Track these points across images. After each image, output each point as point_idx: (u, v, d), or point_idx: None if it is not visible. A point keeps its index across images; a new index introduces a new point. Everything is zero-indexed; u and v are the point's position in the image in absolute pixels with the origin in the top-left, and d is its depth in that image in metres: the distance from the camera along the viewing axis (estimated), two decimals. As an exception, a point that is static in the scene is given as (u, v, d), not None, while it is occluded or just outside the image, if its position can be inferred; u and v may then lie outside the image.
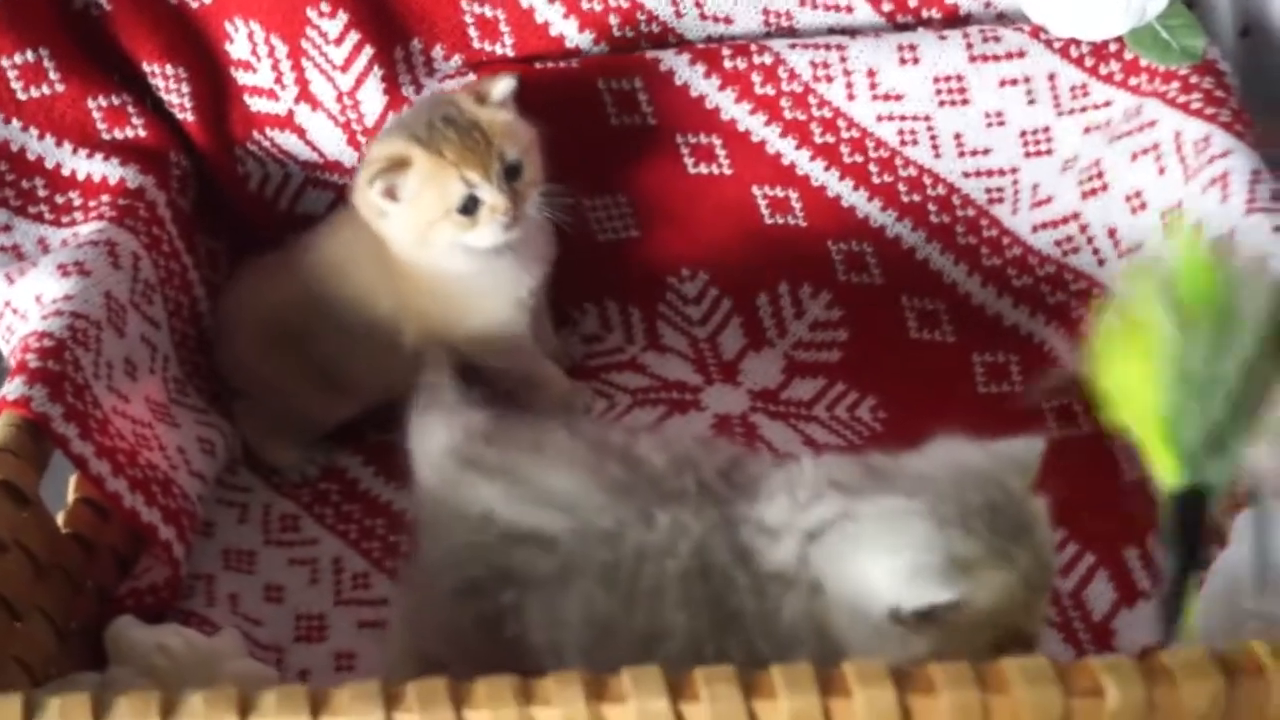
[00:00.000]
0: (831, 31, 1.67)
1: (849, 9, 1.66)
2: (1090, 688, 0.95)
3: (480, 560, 1.20)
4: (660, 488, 1.17)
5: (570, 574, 1.16)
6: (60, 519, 1.41)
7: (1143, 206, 1.56)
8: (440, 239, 1.50)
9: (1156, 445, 1.04)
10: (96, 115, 1.62)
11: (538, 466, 1.22)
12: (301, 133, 1.68)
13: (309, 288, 1.57)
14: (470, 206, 1.47)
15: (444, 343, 1.53)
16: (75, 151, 1.61)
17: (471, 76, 1.66)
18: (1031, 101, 1.62)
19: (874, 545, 1.09)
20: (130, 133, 1.63)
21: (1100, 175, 1.60)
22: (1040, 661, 0.95)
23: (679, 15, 1.67)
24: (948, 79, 1.62)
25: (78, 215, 1.58)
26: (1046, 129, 1.63)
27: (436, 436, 1.28)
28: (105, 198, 1.58)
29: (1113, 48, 1.60)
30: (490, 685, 0.97)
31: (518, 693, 0.96)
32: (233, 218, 1.71)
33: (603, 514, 1.17)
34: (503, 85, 1.51)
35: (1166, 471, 1.04)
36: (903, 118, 1.64)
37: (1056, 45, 1.61)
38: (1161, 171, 1.53)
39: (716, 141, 1.68)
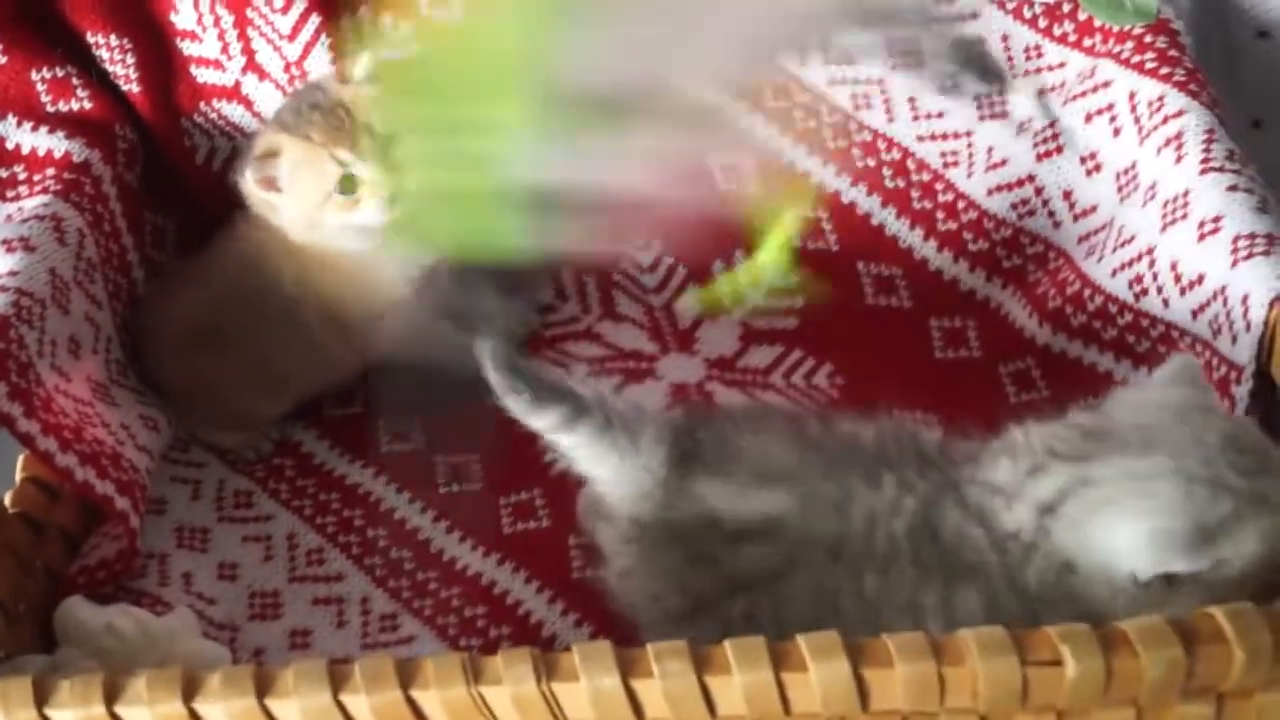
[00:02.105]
0: (783, -4, 1.66)
1: (795, -29, 1.65)
2: (1048, 657, 0.94)
3: (708, 572, 1.17)
4: (882, 456, 1.17)
5: (798, 558, 1.13)
6: (7, 499, 1.39)
7: (1098, 168, 1.55)
8: (328, 222, 1.49)
9: None
10: (40, 87, 1.60)
11: (746, 441, 1.20)
12: (249, 104, 1.66)
13: (223, 286, 1.56)
14: (349, 186, 1.47)
15: (341, 325, 1.54)
16: (19, 124, 1.58)
17: (421, 45, 1.64)
18: (985, 63, 1.62)
19: (1120, 510, 1.06)
20: (75, 105, 1.60)
21: (1055, 137, 1.59)
22: (996, 631, 0.95)
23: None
24: (900, 42, 1.61)
25: (22, 189, 1.56)
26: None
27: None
28: (50, 171, 1.55)
29: (1066, 8, 1.59)
30: (438, 663, 0.96)
31: (466, 670, 0.95)
32: (181, 193, 1.68)
33: (825, 481, 1.15)
34: (362, 62, 1.50)
35: None
36: (856, 82, 1.63)
37: (1009, 6, 1.60)
38: (1116, 133, 1.53)
39: (668, 106, 1.66)
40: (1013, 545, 1.10)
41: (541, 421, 1.18)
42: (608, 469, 1.20)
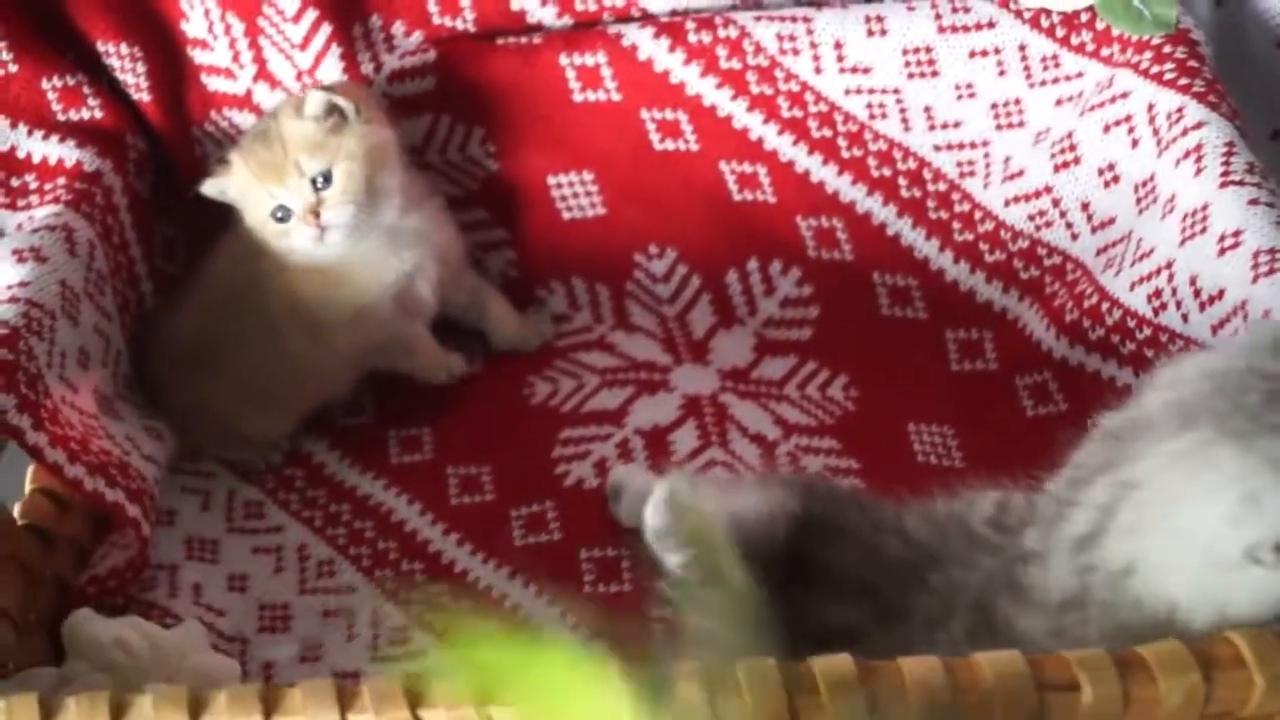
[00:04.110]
0: (797, 3, 1.65)
1: (814, -20, 1.64)
2: (1064, 682, 0.93)
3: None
4: (929, 554, 1.15)
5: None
6: (16, 511, 1.39)
7: (1115, 180, 1.54)
8: (273, 241, 1.52)
9: None
10: (51, 96, 1.59)
11: (833, 552, 1.19)
12: (260, 113, 1.65)
13: (211, 302, 1.58)
14: (285, 215, 1.50)
15: (313, 327, 1.55)
16: (31, 133, 1.58)
17: (432, 54, 1.63)
18: (1002, 73, 1.60)
19: (1189, 496, 1.00)
20: (86, 114, 1.60)
21: (1073, 148, 1.58)
22: (1013, 655, 0.94)
23: (642, -12, 1.65)
24: (916, 51, 1.60)
25: (34, 199, 1.56)
26: (1018, 101, 1.61)
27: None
28: (61, 181, 1.55)
29: (1084, 17, 1.58)
30: (448, 686, 0.95)
31: (473, 695, 0.95)
32: (191, 204, 1.67)
33: (893, 592, 1.14)
34: (312, 100, 1.52)
35: None
36: (871, 91, 1.62)
37: (1026, 15, 1.59)
38: (1134, 144, 1.52)
39: (682, 117, 1.65)
40: (1070, 617, 1.05)
41: (674, 559, 1.16)
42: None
